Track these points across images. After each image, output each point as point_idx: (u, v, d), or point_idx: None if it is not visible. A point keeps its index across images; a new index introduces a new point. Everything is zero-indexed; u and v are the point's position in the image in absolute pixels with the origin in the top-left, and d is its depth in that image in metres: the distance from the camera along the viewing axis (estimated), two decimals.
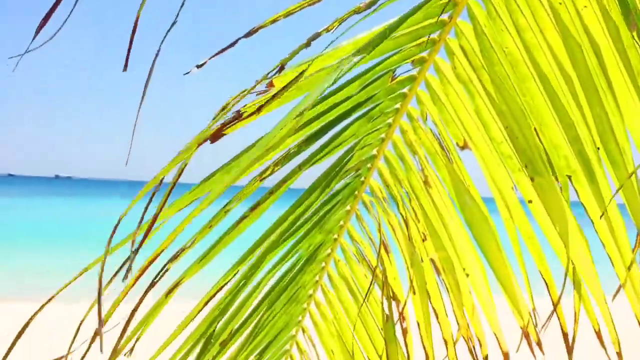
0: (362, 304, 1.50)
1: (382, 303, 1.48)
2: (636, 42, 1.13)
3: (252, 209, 1.17)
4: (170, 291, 1.19)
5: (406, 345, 1.61)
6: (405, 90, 1.30)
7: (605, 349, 1.35)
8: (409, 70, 1.27)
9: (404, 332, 1.59)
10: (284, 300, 1.41)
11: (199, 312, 1.24)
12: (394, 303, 1.54)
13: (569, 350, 1.41)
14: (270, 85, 1.10)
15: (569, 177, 1.29)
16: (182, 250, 1.16)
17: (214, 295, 1.24)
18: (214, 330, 1.23)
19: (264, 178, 1.18)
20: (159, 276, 1.11)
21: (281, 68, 1.06)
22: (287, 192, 1.27)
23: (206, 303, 1.24)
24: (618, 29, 1.14)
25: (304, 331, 1.61)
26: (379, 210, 1.46)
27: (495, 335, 1.54)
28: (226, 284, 1.24)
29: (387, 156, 1.40)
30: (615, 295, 1.30)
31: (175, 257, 1.07)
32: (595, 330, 1.37)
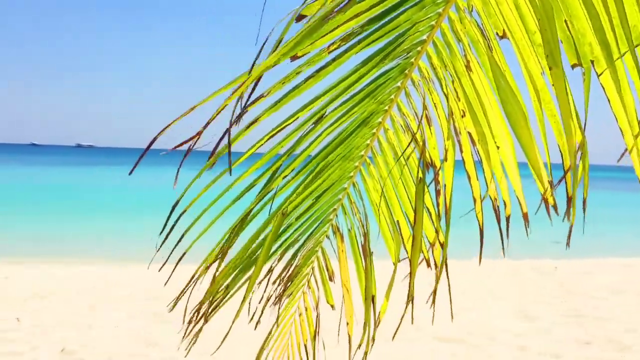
0: (398, 160, 1.80)
1: (418, 167, 1.78)
2: None
3: (318, 70, 1.45)
4: (251, 124, 1.50)
5: (438, 205, 1.93)
6: None
7: None
8: None
9: (437, 193, 1.90)
10: (339, 156, 1.72)
11: (266, 141, 1.54)
12: (430, 168, 1.85)
13: (572, 209, 1.70)
14: None
15: (592, 62, 1.52)
16: (260, 96, 1.46)
17: (276, 133, 1.54)
18: (278, 167, 1.55)
19: (331, 51, 1.45)
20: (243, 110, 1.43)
21: None
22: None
23: (269, 138, 1.54)
24: None
25: (354, 185, 1.94)
26: (425, 88, 1.72)
27: (517, 198, 1.83)
28: (286, 126, 1.54)
29: (435, 42, 1.64)
30: (620, 158, 1.56)
31: (253, 102, 1.37)
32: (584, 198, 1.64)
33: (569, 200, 1.75)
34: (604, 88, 1.53)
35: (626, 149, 1.58)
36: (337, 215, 2.02)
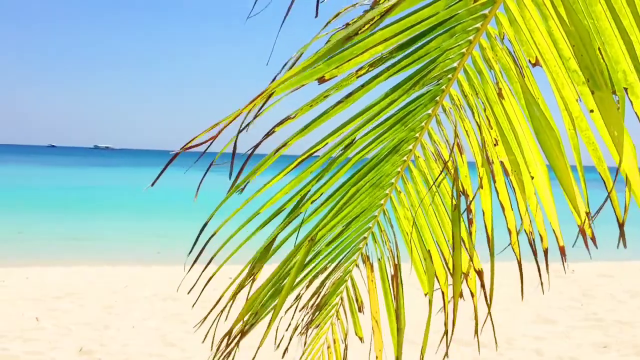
0: (430, 188, 1.78)
1: (452, 195, 1.75)
2: None
3: (347, 96, 1.46)
4: (279, 149, 1.51)
5: (471, 233, 1.89)
6: (485, 11, 1.51)
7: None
8: None
9: (470, 222, 1.87)
10: (370, 183, 1.71)
11: (296, 166, 1.55)
12: (463, 196, 1.82)
13: (623, 236, 1.64)
14: (377, 2, 1.36)
15: (626, 89, 1.49)
16: (287, 118, 1.47)
17: (305, 158, 1.55)
18: (309, 191, 1.55)
19: (360, 75, 1.46)
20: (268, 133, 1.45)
21: None
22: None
23: (300, 162, 1.55)
24: None
25: (384, 213, 1.92)
26: (456, 116, 1.71)
27: (554, 230, 1.78)
28: (317, 150, 1.55)
29: (467, 69, 1.64)
30: None
31: (280, 123, 1.38)
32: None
33: (621, 226, 1.69)
34: (638, 117, 1.49)
35: None
36: (367, 244, 2.00)
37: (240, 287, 1.70)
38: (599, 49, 1.48)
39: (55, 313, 8.12)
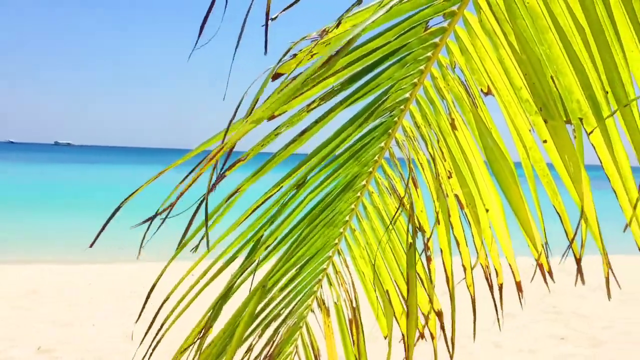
0: (387, 228, 1.70)
1: (407, 232, 1.68)
2: None
3: (301, 134, 1.38)
4: (230, 197, 1.41)
5: (429, 271, 1.82)
6: (436, 40, 1.47)
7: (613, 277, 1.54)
8: (440, 22, 1.45)
9: (428, 259, 1.79)
10: (323, 222, 1.62)
11: (247, 217, 1.45)
12: (419, 233, 1.75)
13: (580, 272, 1.60)
14: (325, 33, 1.29)
15: (581, 119, 1.46)
16: (238, 161, 1.37)
17: (260, 205, 1.45)
18: (262, 235, 1.44)
19: (311, 109, 1.38)
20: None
21: (338, 24, 1.26)
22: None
23: (253, 210, 1.45)
24: None
25: (339, 253, 1.83)
26: (410, 148, 1.65)
27: (510, 265, 1.73)
28: (270, 197, 1.45)
29: (419, 99, 1.59)
30: (627, 226, 1.48)
31: (230, 167, 1.28)
32: (600, 249, 1.56)
33: (578, 262, 1.65)
34: (594, 147, 1.47)
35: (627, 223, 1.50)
36: (321, 287, 1.89)
37: (192, 341, 1.56)
38: (552, 77, 1.46)
39: (17, 311, 7.96)
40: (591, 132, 1.46)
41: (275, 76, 1.30)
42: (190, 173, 1.24)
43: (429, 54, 1.49)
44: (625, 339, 7.29)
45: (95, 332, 7.21)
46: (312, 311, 1.91)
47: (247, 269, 1.48)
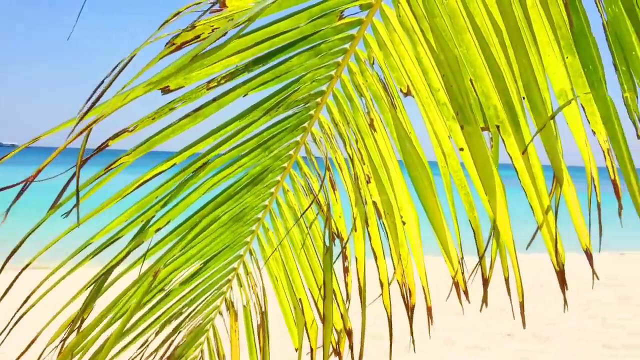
0: (303, 234, 1.62)
1: (323, 236, 1.59)
2: None
3: (195, 110, 1.31)
4: (109, 167, 1.32)
5: (346, 284, 1.72)
6: (353, 32, 1.42)
7: (510, 295, 1.44)
8: (356, 13, 1.39)
9: (345, 270, 1.70)
10: (229, 215, 1.54)
11: (131, 192, 1.36)
12: (336, 239, 1.66)
13: (484, 297, 1.50)
14: (224, 5, 1.24)
15: (498, 127, 1.39)
16: (125, 131, 1.29)
17: (147, 180, 1.36)
18: (151, 218, 1.36)
19: (211, 88, 1.31)
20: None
21: None
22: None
23: (139, 185, 1.36)
24: None
25: (251, 253, 1.74)
26: (327, 146, 1.58)
27: (423, 288, 1.63)
28: (160, 172, 1.36)
29: (336, 94, 1.52)
30: (532, 240, 1.39)
31: (116, 136, 1.21)
32: (504, 277, 1.46)
33: (484, 282, 1.56)
34: (510, 157, 1.39)
35: (537, 228, 1.41)
36: (231, 288, 1.79)
37: (70, 330, 1.46)
38: (470, 80, 1.40)
39: None
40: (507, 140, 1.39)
41: (173, 48, 1.25)
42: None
43: (346, 45, 1.44)
44: (568, 334, 7.62)
45: None
46: (220, 313, 1.81)
47: (132, 250, 1.39)
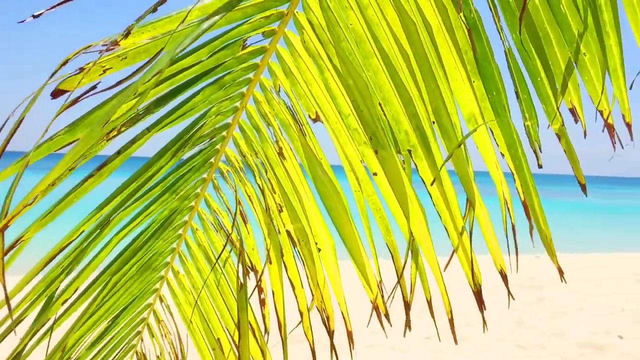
0: (213, 267, 1.53)
1: (237, 272, 1.51)
2: (462, 22, 1.24)
3: (99, 168, 1.18)
4: (10, 248, 1.17)
5: (263, 317, 1.65)
6: (257, 60, 1.34)
7: (434, 317, 1.45)
8: (260, 41, 1.32)
9: (262, 302, 1.63)
10: (138, 265, 1.41)
11: (39, 271, 1.22)
12: (251, 273, 1.58)
13: (407, 321, 1.51)
14: (116, 44, 1.12)
15: (409, 151, 1.38)
16: (24, 207, 1.14)
17: (56, 255, 1.23)
18: (56, 289, 1.21)
19: (111, 138, 1.18)
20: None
21: (127, 34, 1.09)
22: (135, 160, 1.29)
23: (47, 262, 1.22)
24: (446, 9, 1.24)
25: (161, 300, 1.62)
26: (236, 180, 1.49)
27: (342, 314, 1.60)
28: (70, 243, 1.23)
29: (242, 126, 1.44)
30: (448, 262, 1.40)
31: (16, 214, 1.05)
32: (427, 299, 1.47)
33: (406, 306, 1.56)
34: (423, 181, 1.39)
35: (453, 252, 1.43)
36: (142, 340, 1.66)
37: None
38: (380, 105, 1.38)
39: None
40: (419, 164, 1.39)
41: (56, 93, 1.10)
42: None
43: (250, 75, 1.36)
44: (485, 335, 7.78)
45: None
46: None
47: (39, 330, 1.22)
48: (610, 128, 1.23)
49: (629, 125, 1.17)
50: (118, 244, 1.37)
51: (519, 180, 1.23)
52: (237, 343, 1.69)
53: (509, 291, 1.31)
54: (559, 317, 8.92)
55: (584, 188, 1.22)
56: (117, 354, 1.61)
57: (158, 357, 1.66)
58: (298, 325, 1.56)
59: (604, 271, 13.38)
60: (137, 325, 1.62)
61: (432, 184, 1.32)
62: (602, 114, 1.19)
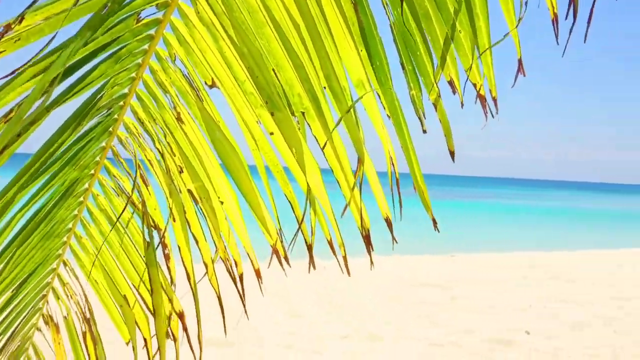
0: (120, 233, 1.58)
1: (142, 232, 1.57)
2: None
3: (1, 151, 1.16)
4: None
5: (169, 269, 1.74)
6: (152, 32, 1.35)
7: (336, 256, 1.63)
8: (154, 13, 1.33)
9: (166, 257, 1.71)
10: (40, 236, 1.43)
11: None
12: (155, 231, 1.65)
13: (311, 260, 1.67)
14: (9, 28, 1.09)
15: (303, 113, 1.49)
16: None
17: None
18: None
19: (8, 120, 1.17)
20: None
21: (22, 19, 1.07)
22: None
23: None
24: None
25: (65, 264, 1.64)
26: (135, 146, 1.52)
27: (248, 254, 1.73)
28: None
29: (140, 95, 1.46)
30: (343, 212, 1.56)
31: None
32: (327, 239, 1.64)
33: (309, 248, 1.71)
34: (317, 140, 1.51)
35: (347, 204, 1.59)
36: (48, 302, 1.69)
37: None
38: (274, 70, 1.45)
39: None
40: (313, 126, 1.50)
41: None
42: None
43: (145, 46, 1.37)
44: (400, 334, 8.07)
45: None
46: (39, 330, 1.70)
47: None
48: (482, 99, 1.42)
49: (494, 100, 1.36)
50: (21, 219, 1.38)
51: (400, 142, 1.39)
52: (143, 297, 1.77)
53: (393, 237, 1.50)
54: (470, 315, 9.21)
55: (452, 155, 1.41)
56: (23, 318, 1.63)
57: (65, 317, 1.71)
58: (204, 276, 1.67)
59: (514, 270, 13.94)
60: (42, 290, 1.64)
61: (324, 147, 1.45)
62: (475, 87, 1.37)
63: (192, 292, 1.65)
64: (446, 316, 9.14)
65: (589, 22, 1.09)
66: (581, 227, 33.04)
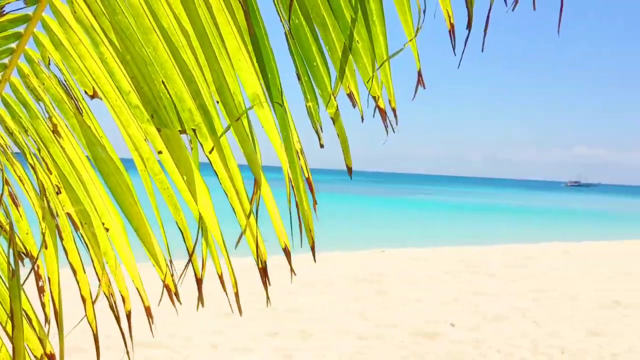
0: None
1: (8, 258, 1.38)
2: (240, 3, 1.23)
3: None
4: None
5: (43, 306, 1.54)
6: (20, 29, 1.22)
7: (225, 291, 1.47)
8: (22, 9, 1.19)
9: (40, 290, 1.52)
10: None
11: None
12: (26, 259, 1.46)
13: (200, 296, 1.50)
14: None
15: (194, 130, 1.36)
16: None
17: None
18: None
19: None
20: None
21: None
22: None
23: None
24: None
25: None
26: (3, 159, 1.35)
27: (137, 290, 1.56)
28: None
29: (7, 100, 1.31)
30: (238, 242, 1.42)
31: None
32: (218, 274, 1.48)
33: (198, 282, 1.55)
34: (209, 160, 1.38)
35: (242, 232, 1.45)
36: None
37: None
38: (163, 82, 1.32)
39: None
40: (211, 148, 1.37)
41: None
42: None
43: (13, 45, 1.23)
44: (329, 329, 8.12)
45: None
46: None
47: None
48: (382, 112, 1.32)
49: (394, 110, 1.26)
50: None
51: (288, 156, 1.28)
52: (8, 334, 1.56)
53: (291, 268, 1.36)
54: (397, 309, 9.44)
55: (349, 171, 1.30)
56: None
57: None
58: (83, 318, 1.48)
59: (441, 264, 14.30)
60: None
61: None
62: (375, 100, 1.27)
63: (59, 331, 1.45)
64: (374, 310, 9.33)
65: (485, 31, 1.01)
66: (502, 222, 33.79)
